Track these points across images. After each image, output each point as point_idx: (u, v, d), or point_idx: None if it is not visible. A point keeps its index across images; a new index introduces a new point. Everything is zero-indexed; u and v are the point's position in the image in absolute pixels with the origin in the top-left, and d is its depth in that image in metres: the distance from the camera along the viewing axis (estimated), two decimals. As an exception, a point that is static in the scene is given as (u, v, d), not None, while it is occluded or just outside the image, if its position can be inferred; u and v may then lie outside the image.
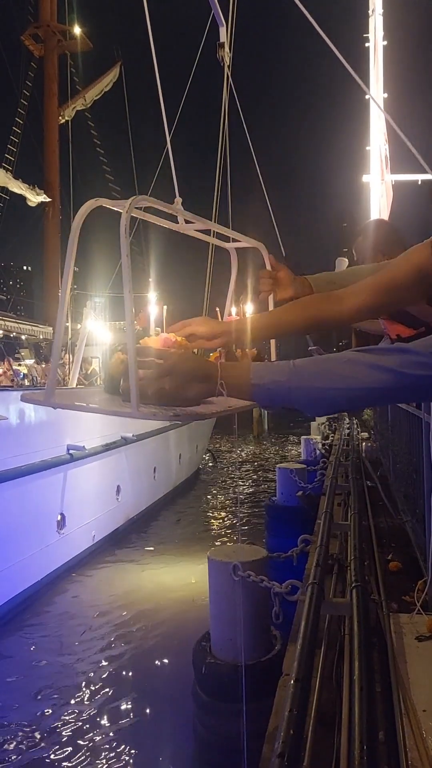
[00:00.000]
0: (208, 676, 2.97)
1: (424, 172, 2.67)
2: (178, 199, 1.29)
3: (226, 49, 3.45)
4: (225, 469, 18.77)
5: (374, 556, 3.05)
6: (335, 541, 3.36)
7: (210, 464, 19.33)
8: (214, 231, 1.53)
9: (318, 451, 9.98)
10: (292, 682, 1.49)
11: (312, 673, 1.66)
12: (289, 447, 24.23)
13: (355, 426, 12.05)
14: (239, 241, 1.65)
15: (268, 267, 1.66)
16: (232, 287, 1.75)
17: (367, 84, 11.21)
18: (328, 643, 2.08)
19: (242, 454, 23.05)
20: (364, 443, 8.90)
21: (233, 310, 1.76)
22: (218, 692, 2.88)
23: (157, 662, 5.59)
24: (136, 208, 0.90)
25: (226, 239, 1.66)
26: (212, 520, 11.94)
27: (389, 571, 2.79)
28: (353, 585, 2.23)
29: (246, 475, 17.98)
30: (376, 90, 10.92)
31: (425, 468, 2.54)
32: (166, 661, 5.55)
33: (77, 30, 15.93)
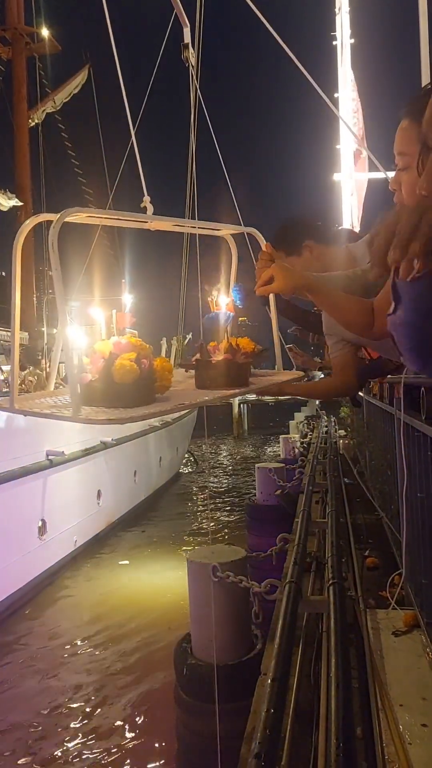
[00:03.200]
0: (188, 677, 2.96)
1: (391, 169, 2.69)
2: (147, 198, 1.29)
3: (191, 50, 3.45)
4: (206, 470, 18.77)
5: (352, 552, 3.08)
6: (313, 538, 3.39)
7: (191, 466, 19.31)
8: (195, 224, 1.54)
9: (297, 450, 10.02)
10: (269, 681, 1.50)
11: (289, 672, 1.66)
12: (270, 446, 24.32)
13: (333, 424, 12.14)
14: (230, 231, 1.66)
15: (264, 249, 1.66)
16: (233, 274, 1.75)
17: (336, 82, 11.31)
18: (306, 641, 2.09)
19: (223, 454, 23.08)
20: (341, 441, 8.97)
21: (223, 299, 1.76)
22: (199, 693, 2.88)
23: (140, 665, 5.57)
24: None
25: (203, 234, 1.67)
26: (193, 522, 11.93)
27: (366, 568, 2.81)
28: (330, 582, 2.25)
29: (227, 475, 18.01)
30: (344, 88, 11.01)
31: (398, 464, 2.56)
32: (149, 663, 5.53)
33: (45, 32, 15.81)
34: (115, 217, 1.12)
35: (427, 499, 1.67)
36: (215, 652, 2.96)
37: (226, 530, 10.69)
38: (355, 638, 1.99)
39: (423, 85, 1.30)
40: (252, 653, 3.07)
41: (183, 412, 14.36)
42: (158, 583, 7.83)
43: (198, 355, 1.25)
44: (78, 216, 0.93)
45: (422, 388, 1.82)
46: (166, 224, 1.28)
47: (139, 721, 4.61)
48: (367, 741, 1.41)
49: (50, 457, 8.27)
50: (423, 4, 2.30)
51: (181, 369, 1.50)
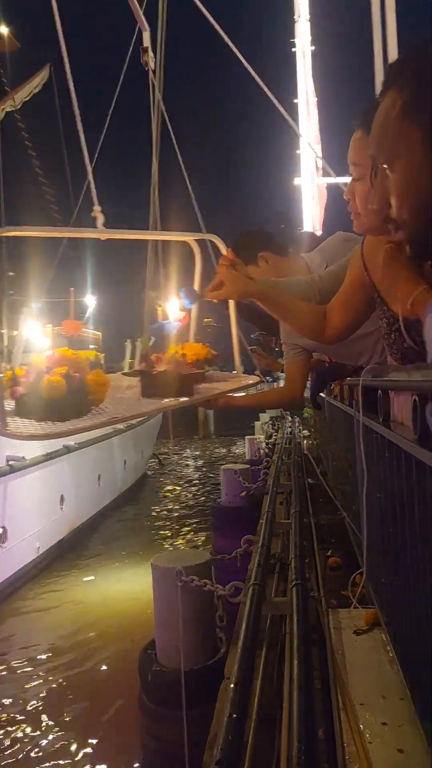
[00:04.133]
0: (153, 684, 2.95)
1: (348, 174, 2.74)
2: (97, 208, 1.28)
3: (150, 53, 3.45)
4: (172, 473, 18.71)
5: (315, 553, 3.11)
6: (278, 540, 3.41)
7: (157, 468, 19.24)
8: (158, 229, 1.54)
9: (262, 451, 10.08)
10: (231, 686, 1.50)
11: (252, 675, 1.67)
12: (236, 447, 24.40)
13: (297, 424, 12.24)
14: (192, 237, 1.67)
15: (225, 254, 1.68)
16: (198, 279, 1.75)
17: (296, 88, 11.45)
18: (270, 644, 2.10)
19: (189, 456, 23.06)
20: (305, 441, 9.06)
21: (182, 304, 1.76)
22: (164, 700, 2.87)
23: (104, 674, 5.52)
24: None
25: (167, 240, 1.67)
26: (159, 526, 11.89)
27: (329, 567, 2.84)
28: (294, 583, 2.27)
29: (192, 477, 17.99)
30: (304, 93, 11.16)
31: (358, 465, 2.60)
32: (113, 672, 5.49)
33: (4, 29, 15.58)
34: (57, 233, 1.11)
35: (386, 500, 1.70)
36: (181, 658, 2.96)
37: (192, 533, 10.68)
38: (317, 638, 2.00)
39: (376, 96, 1.33)
40: (217, 657, 3.07)
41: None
42: (123, 589, 7.78)
43: (142, 364, 1.25)
44: (16, 233, 0.92)
45: (379, 391, 1.85)
46: (119, 234, 1.27)
47: (102, 730, 4.56)
48: (328, 742, 1.42)
49: (10, 463, 8.14)
50: (376, 12, 2.34)
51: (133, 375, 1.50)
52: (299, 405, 2.63)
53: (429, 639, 1.21)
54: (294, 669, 1.59)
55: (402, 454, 1.39)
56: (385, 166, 0.81)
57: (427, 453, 1.08)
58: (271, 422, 14.75)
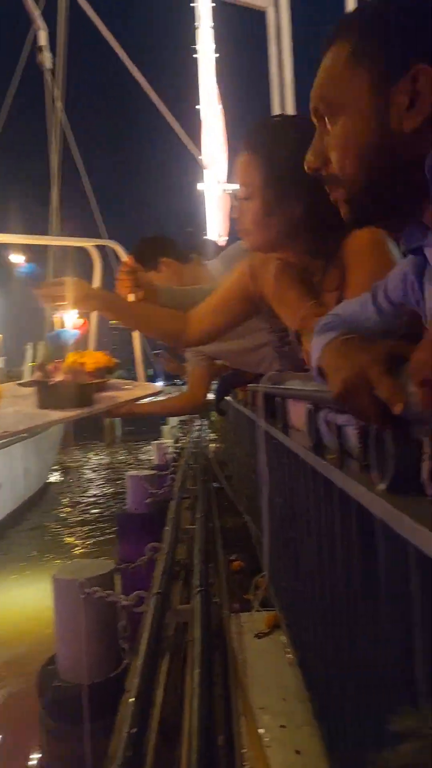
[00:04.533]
0: (54, 700, 2.85)
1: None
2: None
3: (45, 53, 3.36)
4: (76, 480, 18.28)
5: (219, 557, 3.13)
6: (183, 546, 3.40)
7: (60, 475, 18.72)
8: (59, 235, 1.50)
9: (169, 456, 10.07)
10: (131, 699, 1.47)
11: (153, 687, 1.65)
12: (143, 452, 24.20)
13: (205, 427, 12.33)
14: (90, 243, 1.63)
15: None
16: (97, 285, 1.72)
17: (198, 95, 11.57)
18: (174, 652, 2.09)
19: (94, 462, 22.62)
20: (212, 444, 9.13)
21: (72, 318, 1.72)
22: (67, 716, 2.77)
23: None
24: None
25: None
26: (63, 536, 11.57)
27: (233, 571, 2.87)
28: (197, 590, 2.27)
29: (98, 484, 17.66)
30: (207, 99, 11.30)
31: (259, 470, 2.65)
32: (8, 693, 5.26)
33: None
34: None
35: (285, 505, 1.73)
36: (85, 671, 2.88)
37: (97, 542, 10.47)
38: (219, 644, 2.01)
39: (264, 117, 1.36)
40: (120, 668, 3.02)
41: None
42: (25, 605, 7.48)
43: (38, 374, 1.21)
44: None
45: (278, 398, 1.89)
46: (14, 237, 1.22)
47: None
48: (228, 748, 1.43)
49: None
50: (272, 29, 2.41)
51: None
52: (201, 411, 2.64)
53: (325, 641, 1.25)
54: (195, 677, 1.59)
55: (299, 460, 1.43)
56: (326, 119, 0.78)
57: (320, 461, 1.11)
58: (179, 426, 14.77)
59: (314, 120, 0.82)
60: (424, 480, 0.64)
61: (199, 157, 11.27)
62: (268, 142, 1.25)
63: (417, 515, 0.61)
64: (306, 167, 0.83)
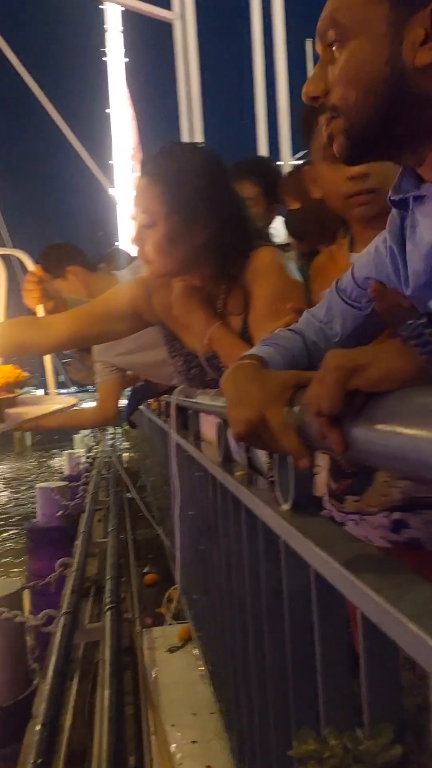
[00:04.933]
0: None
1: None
2: None
3: None
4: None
5: (131, 571, 3.09)
6: (94, 560, 3.34)
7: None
8: None
9: (82, 466, 9.84)
10: (38, 727, 1.42)
11: (61, 712, 1.60)
12: (54, 462, 23.52)
13: (118, 436, 12.16)
14: None
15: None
16: (2, 296, 1.64)
17: (108, 99, 11.49)
18: (83, 674, 2.04)
19: (1, 474, 21.75)
20: (125, 454, 9.02)
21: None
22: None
23: None
24: None
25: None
26: (-31, 551, 11.02)
27: (145, 585, 2.84)
28: (108, 607, 2.23)
29: (6, 497, 17.00)
30: (117, 103, 11.23)
31: (171, 482, 2.64)
32: None
33: None
34: None
35: (197, 517, 1.74)
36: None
37: (5, 558, 10.06)
38: (131, 662, 1.99)
39: (165, 144, 1.35)
40: (30, 689, 2.91)
41: None
42: None
43: None
44: None
45: (189, 411, 1.90)
46: None
47: None
48: (139, 769, 1.41)
49: None
50: (179, 43, 2.44)
51: None
52: (112, 422, 2.58)
53: (234, 654, 1.26)
54: (105, 699, 1.56)
55: (209, 474, 1.44)
56: (335, 46, 0.72)
57: (228, 477, 1.13)
58: (91, 435, 14.47)
59: (319, 48, 0.77)
60: (322, 496, 0.67)
61: (110, 190, 11.13)
62: (170, 170, 1.23)
63: (317, 538, 0.63)
64: (303, 97, 0.78)
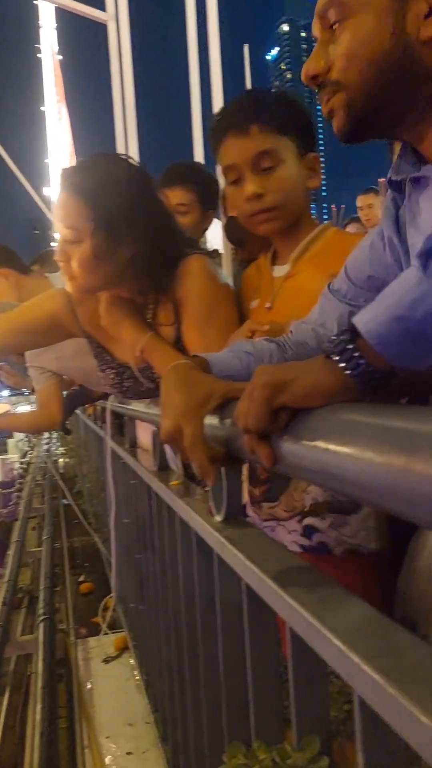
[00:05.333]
0: None
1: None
2: None
3: None
4: None
5: (66, 580, 3.03)
6: (27, 570, 3.25)
7: None
8: None
9: (16, 471, 9.57)
10: (-35, 748, 1.37)
11: (-9, 730, 1.55)
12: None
13: (54, 441, 11.91)
14: None
15: None
16: None
17: (43, 96, 11.25)
18: (14, 687, 1.98)
19: None
20: (62, 459, 8.84)
21: None
22: None
23: None
24: None
25: None
26: None
27: (81, 594, 2.79)
28: (41, 618, 2.17)
29: None
30: (51, 102, 11.01)
31: (107, 489, 2.61)
32: None
33: None
34: None
35: (132, 525, 1.72)
36: None
37: None
38: (65, 674, 1.95)
39: (87, 157, 1.31)
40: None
41: None
42: None
43: None
44: None
45: (125, 417, 1.88)
46: None
47: None
48: (72, 785, 1.38)
49: None
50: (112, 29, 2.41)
51: None
52: (59, 426, 2.52)
53: (169, 663, 1.25)
54: (37, 713, 1.52)
55: (144, 482, 1.43)
56: (336, 25, 0.71)
57: (163, 487, 1.12)
58: (26, 439, 14.09)
59: (316, 29, 0.75)
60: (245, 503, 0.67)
61: (45, 189, 10.82)
62: (94, 184, 1.19)
63: (248, 550, 0.63)
64: (303, 77, 0.76)
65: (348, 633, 0.42)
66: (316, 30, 0.76)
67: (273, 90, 1.17)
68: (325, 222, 1.25)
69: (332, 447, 0.45)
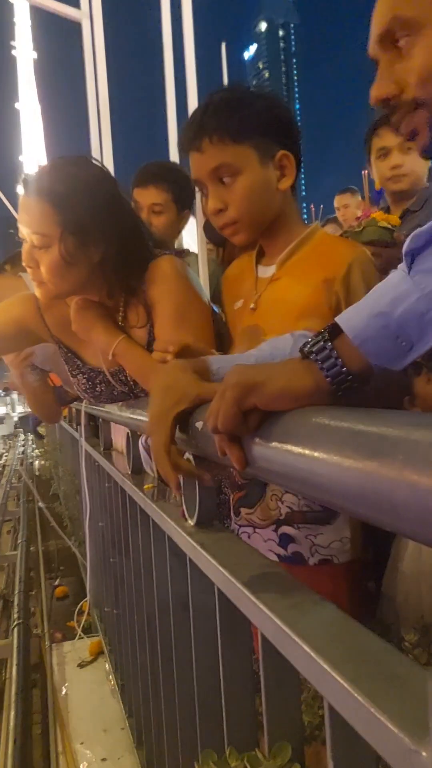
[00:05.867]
0: None
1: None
2: None
3: None
4: None
5: (42, 584, 3.00)
6: (2, 574, 3.21)
7: None
8: None
9: (-10, 474, 9.45)
10: None
11: (-38, 739, 1.52)
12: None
13: (30, 443, 11.79)
14: None
15: None
16: None
17: (17, 92, 11.16)
18: (-12, 694, 1.95)
19: None
20: (37, 461, 8.74)
21: None
22: None
23: None
24: None
25: None
26: None
27: (56, 598, 2.76)
28: (15, 623, 2.15)
29: None
30: (25, 99, 10.92)
31: (82, 492, 2.58)
32: None
33: None
34: None
35: (107, 529, 1.70)
36: None
37: None
38: (39, 679, 1.92)
39: (53, 161, 1.29)
40: None
41: None
42: None
43: None
44: None
45: (100, 419, 1.86)
46: None
47: None
48: (46, 793, 1.36)
49: None
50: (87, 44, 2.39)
51: None
52: (59, 419, 2.51)
53: (144, 668, 1.24)
54: (11, 719, 1.50)
55: (118, 485, 1.41)
56: (402, 42, 0.68)
57: (137, 491, 1.11)
58: (2, 440, 13.95)
59: (377, 51, 0.72)
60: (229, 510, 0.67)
61: (18, 187, 10.70)
62: (61, 188, 1.17)
63: (221, 555, 0.62)
64: (373, 102, 0.72)
65: (318, 639, 0.41)
66: (376, 51, 0.73)
67: (227, 95, 1.08)
68: (314, 223, 1.19)
69: (301, 450, 0.45)
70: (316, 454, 0.42)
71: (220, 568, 0.60)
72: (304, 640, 0.42)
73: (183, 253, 1.30)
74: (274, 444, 0.50)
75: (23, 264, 1.25)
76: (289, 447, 0.47)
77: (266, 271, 1.15)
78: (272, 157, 1.06)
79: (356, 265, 1.03)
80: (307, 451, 0.44)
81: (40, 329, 1.44)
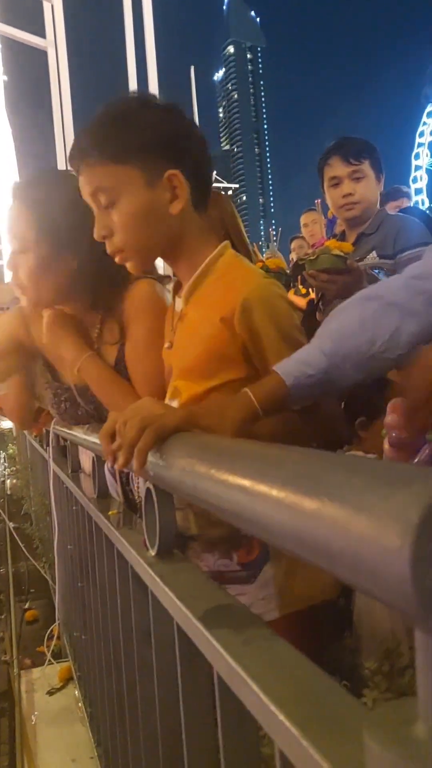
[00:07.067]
0: None
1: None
2: None
3: None
4: None
5: (11, 607, 2.94)
6: (-30, 598, 3.14)
7: None
8: None
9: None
10: None
11: None
12: None
13: (3, 460, 11.58)
14: None
15: None
16: None
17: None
18: None
19: None
20: (9, 480, 8.61)
21: None
22: None
23: None
24: None
25: None
26: None
27: (26, 622, 2.71)
28: (-17, 650, 2.10)
29: None
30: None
31: (51, 514, 2.54)
32: None
33: None
34: None
35: (75, 552, 1.68)
36: None
37: None
38: (8, 708, 1.88)
39: (35, 171, 1.34)
40: None
41: None
42: None
43: None
44: None
45: (68, 441, 1.84)
46: None
47: None
48: None
49: None
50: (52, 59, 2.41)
51: None
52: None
53: (111, 696, 1.22)
54: (-24, 753, 1.46)
55: (85, 510, 1.40)
56: None
57: (101, 518, 1.09)
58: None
59: None
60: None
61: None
62: (40, 196, 1.23)
63: (179, 588, 0.62)
64: None
65: (268, 679, 0.41)
66: None
67: (112, 110, 0.98)
68: (224, 243, 1.05)
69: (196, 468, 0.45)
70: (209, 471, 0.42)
71: (178, 602, 0.59)
72: (253, 679, 0.42)
73: (165, 280, 1.32)
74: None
75: (7, 268, 1.28)
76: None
77: (179, 304, 1.08)
78: (161, 177, 0.95)
79: (254, 302, 0.94)
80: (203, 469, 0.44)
81: (28, 342, 1.45)
